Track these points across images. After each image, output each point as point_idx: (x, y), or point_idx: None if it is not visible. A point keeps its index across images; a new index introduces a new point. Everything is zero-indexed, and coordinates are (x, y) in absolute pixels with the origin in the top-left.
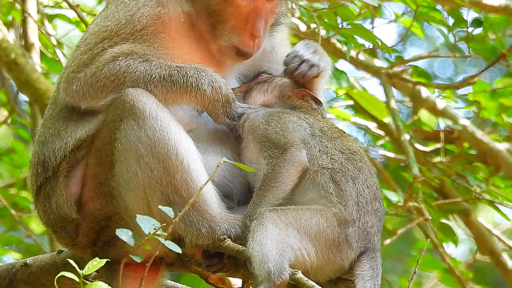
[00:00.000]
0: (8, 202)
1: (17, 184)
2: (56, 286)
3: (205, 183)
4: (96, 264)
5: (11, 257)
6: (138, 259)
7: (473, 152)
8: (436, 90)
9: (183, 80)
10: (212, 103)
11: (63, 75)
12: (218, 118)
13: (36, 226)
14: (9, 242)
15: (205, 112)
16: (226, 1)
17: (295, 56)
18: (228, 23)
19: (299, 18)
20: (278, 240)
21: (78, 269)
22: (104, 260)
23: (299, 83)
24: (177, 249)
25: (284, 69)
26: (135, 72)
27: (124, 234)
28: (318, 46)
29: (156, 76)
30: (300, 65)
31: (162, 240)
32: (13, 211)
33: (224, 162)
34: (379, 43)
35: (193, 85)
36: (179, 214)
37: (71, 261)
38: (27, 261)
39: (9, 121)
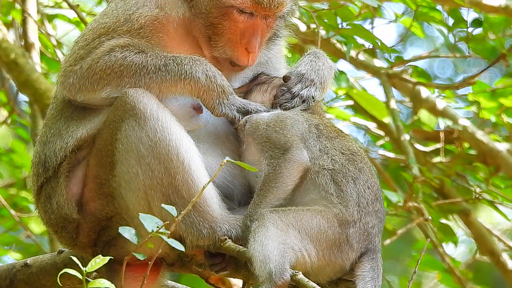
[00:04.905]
0: (8, 202)
1: (17, 184)
2: (59, 283)
3: (208, 183)
4: (99, 261)
5: (11, 257)
6: (141, 257)
7: (473, 152)
8: (436, 90)
9: (178, 69)
10: (206, 92)
11: (61, 70)
12: (214, 110)
13: (36, 226)
14: (9, 242)
15: (202, 105)
16: (224, 15)
17: (288, 91)
18: (224, 36)
19: (299, 18)
20: (279, 241)
21: (81, 266)
22: (107, 258)
23: None
24: (180, 247)
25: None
26: (131, 65)
27: (127, 232)
28: (319, 64)
29: (151, 67)
30: (292, 100)
31: (165, 238)
32: (13, 211)
33: (227, 161)
34: (379, 43)
35: (187, 72)
36: (181, 214)
37: (74, 258)
38: (28, 262)
39: (9, 121)
